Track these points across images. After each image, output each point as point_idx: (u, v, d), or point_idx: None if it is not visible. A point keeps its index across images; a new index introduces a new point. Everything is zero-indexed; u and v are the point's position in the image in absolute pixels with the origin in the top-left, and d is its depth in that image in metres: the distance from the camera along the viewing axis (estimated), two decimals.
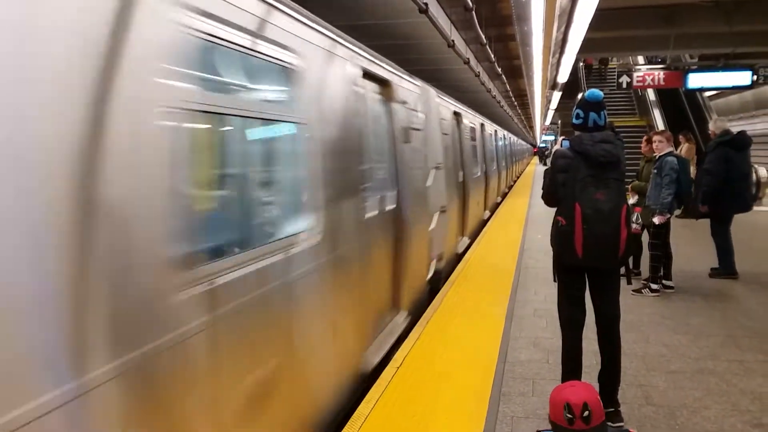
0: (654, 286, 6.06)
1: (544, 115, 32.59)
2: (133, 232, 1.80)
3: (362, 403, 3.54)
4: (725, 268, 6.76)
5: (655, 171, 5.99)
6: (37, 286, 1.48)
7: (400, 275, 5.09)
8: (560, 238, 3.36)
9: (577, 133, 3.52)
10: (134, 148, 1.81)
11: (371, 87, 4.62)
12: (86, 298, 1.60)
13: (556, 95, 21.00)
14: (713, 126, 7.14)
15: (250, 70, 3.00)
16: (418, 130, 5.90)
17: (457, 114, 8.94)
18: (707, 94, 20.33)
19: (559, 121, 40.19)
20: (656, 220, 5.87)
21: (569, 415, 2.58)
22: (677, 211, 6.51)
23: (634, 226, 3.40)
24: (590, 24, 8.20)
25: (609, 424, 3.23)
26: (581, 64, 24.48)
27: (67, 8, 1.59)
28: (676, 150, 6.25)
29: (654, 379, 3.96)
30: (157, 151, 1.93)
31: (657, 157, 6.06)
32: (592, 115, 3.44)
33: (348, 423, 3.30)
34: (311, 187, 3.19)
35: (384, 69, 4.87)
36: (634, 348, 4.47)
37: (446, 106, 8.11)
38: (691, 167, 7.19)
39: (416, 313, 5.40)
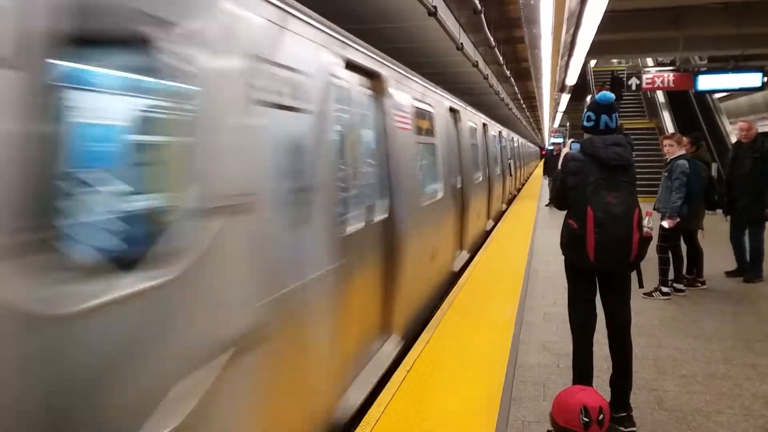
0: (665, 289, 6.03)
1: (553, 118, 32.49)
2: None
3: (373, 406, 3.53)
4: (756, 270, 6.70)
5: (666, 174, 5.96)
6: None
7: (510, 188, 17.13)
8: (572, 241, 3.34)
9: (587, 135, 3.51)
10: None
11: (515, 142, 20.49)
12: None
13: (565, 98, 20.94)
14: (752, 126, 6.90)
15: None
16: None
17: (511, 138, 18.77)
18: (717, 96, 20.22)
19: (568, 124, 40.04)
20: (665, 223, 5.84)
21: (585, 419, 2.56)
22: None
23: (645, 229, 3.38)
24: (599, 26, 8.18)
25: (621, 429, 3.22)
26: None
27: None
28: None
29: (666, 383, 3.94)
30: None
31: (668, 160, 6.03)
32: (604, 117, 3.42)
33: (359, 426, 3.30)
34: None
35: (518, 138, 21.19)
36: (645, 352, 4.45)
37: (513, 136, 19.28)
38: None
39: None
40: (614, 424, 3.13)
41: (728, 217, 6.96)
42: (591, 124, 3.47)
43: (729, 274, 6.85)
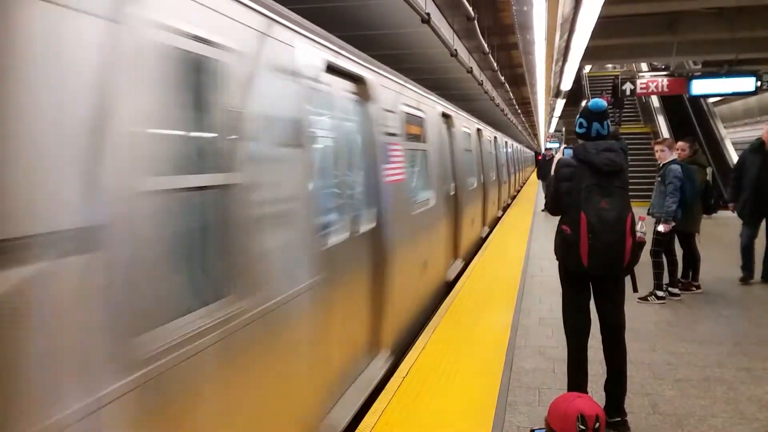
0: (660, 294, 6.04)
1: (548, 123, 32.61)
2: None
3: (368, 414, 3.53)
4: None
5: (659, 179, 5.98)
6: None
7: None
8: (565, 247, 3.36)
9: (580, 141, 3.53)
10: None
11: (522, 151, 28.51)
12: None
13: (560, 103, 21.04)
14: None
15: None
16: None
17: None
18: (711, 100, 20.31)
19: (563, 129, 40.18)
20: (661, 228, 5.85)
21: (582, 427, 2.57)
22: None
23: (639, 234, 3.39)
24: (593, 32, 8.23)
25: None
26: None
27: None
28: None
29: (661, 387, 3.94)
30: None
31: (661, 165, 6.05)
32: (595, 125, 3.44)
33: None
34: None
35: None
36: (640, 356, 4.45)
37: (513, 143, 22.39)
38: None
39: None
40: (609, 429, 3.13)
41: (742, 222, 6.94)
42: (583, 130, 3.49)
43: (743, 280, 6.82)
